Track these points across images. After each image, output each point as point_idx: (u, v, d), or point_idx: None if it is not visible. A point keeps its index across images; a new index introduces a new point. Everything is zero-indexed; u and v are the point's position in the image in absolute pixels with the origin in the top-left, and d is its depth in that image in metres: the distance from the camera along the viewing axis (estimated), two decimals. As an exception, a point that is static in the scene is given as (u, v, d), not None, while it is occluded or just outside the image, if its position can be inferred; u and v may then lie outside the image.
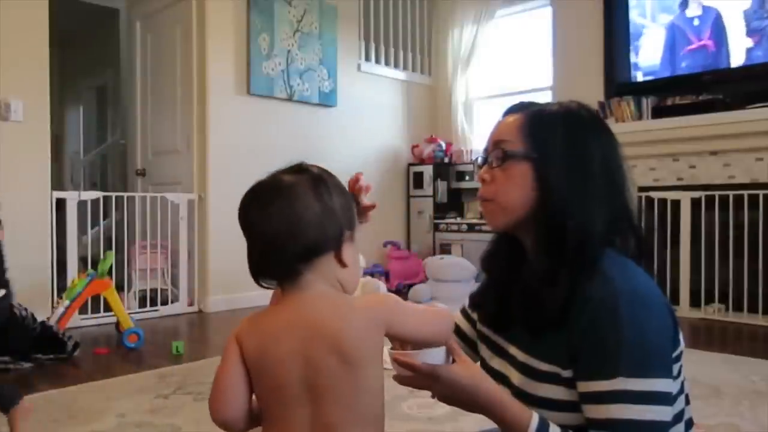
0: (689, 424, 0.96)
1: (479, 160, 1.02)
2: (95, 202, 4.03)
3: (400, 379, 0.90)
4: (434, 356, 0.86)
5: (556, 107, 0.98)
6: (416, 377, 0.88)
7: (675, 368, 0.90)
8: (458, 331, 1.17)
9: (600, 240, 0.91)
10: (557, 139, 0.94)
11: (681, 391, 0.92)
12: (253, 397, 0.87)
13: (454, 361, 0.89)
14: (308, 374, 0.79)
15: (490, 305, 1.06)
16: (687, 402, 0.95)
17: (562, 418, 0.88)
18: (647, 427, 0.82)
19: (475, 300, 1.13)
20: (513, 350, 0.99)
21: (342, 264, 0.85)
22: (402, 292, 4.88)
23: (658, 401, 0.83)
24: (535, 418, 0.86)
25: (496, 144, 0.97)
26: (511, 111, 1.01)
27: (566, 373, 0.88)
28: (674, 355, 0.90)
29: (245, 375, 0.84)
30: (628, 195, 0.97)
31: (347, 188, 0.97)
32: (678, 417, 0.91)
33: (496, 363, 1.02)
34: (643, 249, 0.98)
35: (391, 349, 0.90)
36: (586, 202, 0.91)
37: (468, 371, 0.87)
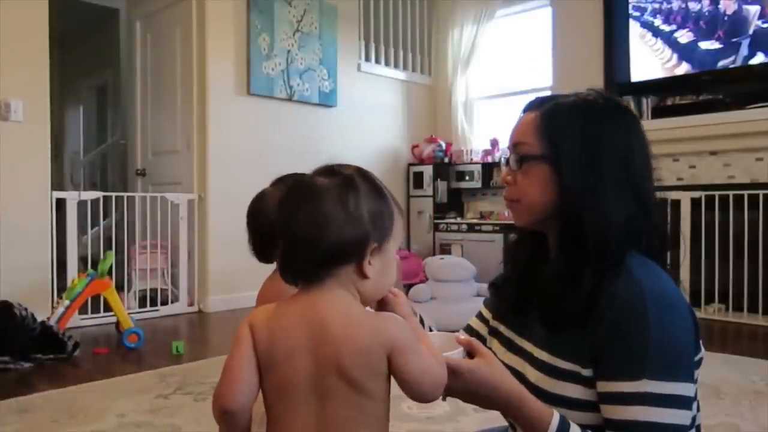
0: (698, 430, 0.95)
1: (503, 160, 1.03)
2: (95, 202, 4.03)
3: None
4: (452, 355, 0.85)
5: (572, 100, 0.97)
6: None
7: (696, 373, 0.89)
8: (470, 330, 1.17)
9: (622, 236, 0.90)
10: (572, 134, 0.93)
11: (695, 397, 0.92)
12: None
13: (471, 357, 0.88)
14: (315, 371, 0.78)
15: (509, 291, 1.06)
16: (698, 408, 0.95)
17: (577, 417, 0.87)
18: (668, 430, 0.81)
19: (496, 284, 1.13)
20: (529, 346, 0.98)
21: (362, 275, 0.82)
22: (402, 292, 4.87)
23: (680, 405, 0.82)
24: (556, 416, 0.85)
25: (515, 146, 0.98)
26: (528, 108, 1.00)
27: (586, 372, 0.87)
28: (695, 359, 0.89)
29: (257, 365, 0.81)
30: (650, 187, 0.95)
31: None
32: (691, 422, 0.90)
33: (509, 359, 1.01)
34: (666, 248, 0.96)
35: None
36: (604, 196, 0.90)
37: (490, 367, 0.86)
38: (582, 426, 0.86)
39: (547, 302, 0.93)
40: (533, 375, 0.94)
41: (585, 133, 0.93)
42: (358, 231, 0.80)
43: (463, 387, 0.86)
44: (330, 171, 0.84)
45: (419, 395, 0.80)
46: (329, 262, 0.81)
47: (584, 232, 0.90)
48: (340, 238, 0.79)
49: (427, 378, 0.79)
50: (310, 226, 0.80)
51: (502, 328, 1.08)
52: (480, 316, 1.18)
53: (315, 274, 0.82)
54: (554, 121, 0.94)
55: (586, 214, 0.90)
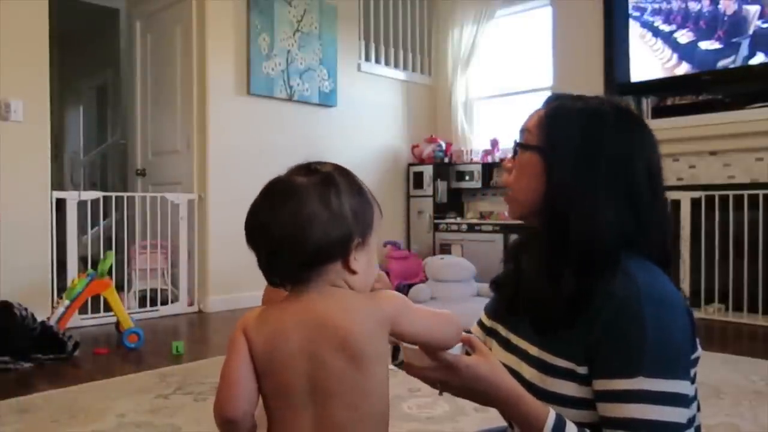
0: (698, 430, 0.95)
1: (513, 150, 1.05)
2: (95, 202, 4.03)
3: (412, 371, 0.88)
4: (451, 351, 0.86)
5: (579, 103, 0.97)
6: (431, 369, 0.86)
7: (692, 372, 0.89)
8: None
9: (609, 239, 0.89)
10: (571, 133, 0.93)
11: (694, 397, 0.92)
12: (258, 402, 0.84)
13: (468, 354, 0.88)
14: (315, 374, 0.78)
15: (508, 289, 1.06)
16: (698, 408, 0.94)
17: (572, 415, 0.87)
18: (665, 428, 0.81)
19: (497, 282, 1.13)
20: (524, 344, 0.98)
21: (350, 271, 0.83)
22: (402, 292, 4.87)
23: (677, 403, 0.82)
24: (552, 414, 0.85)
25: (521, 133, 1.00)
26: (546, 102, 1.02)
27: (582, 370, 0.87)
28: (692, 358, 0.89)
29: (254, 371, 0.81)
30: (650, 197, 0.93)
31: None
32: (690, 422, 0.90)
33: (506, 358, 1.01)
34: (669, 255, 0.95)
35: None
36: (593, 197, 0.90)
37: (488, 364, 0.87)
38: (578, 424, 0.86)
39: (530, 301, 0.94)
40: (528, 372, 0.94)
41: (584, 133, 0.93)
42: (342, 229, 0.80)
43: (460, 383, 0.87)
44: (307, 169, 0.84)
45: (444, 342, 0.85)
46: (316, 262, 0.80)
47: (569, 231, 0.90)
48: (325, 238, 0.79)
49: (436, 325, 0.84)
50: (293, 227, 0.79)
51: (499, 328, 1.08)
52: (480, 323, 1.19)
53: (302, 275, 0.81)
54: (557, 119, 0.96)
55: (572, 214, 0.90)
